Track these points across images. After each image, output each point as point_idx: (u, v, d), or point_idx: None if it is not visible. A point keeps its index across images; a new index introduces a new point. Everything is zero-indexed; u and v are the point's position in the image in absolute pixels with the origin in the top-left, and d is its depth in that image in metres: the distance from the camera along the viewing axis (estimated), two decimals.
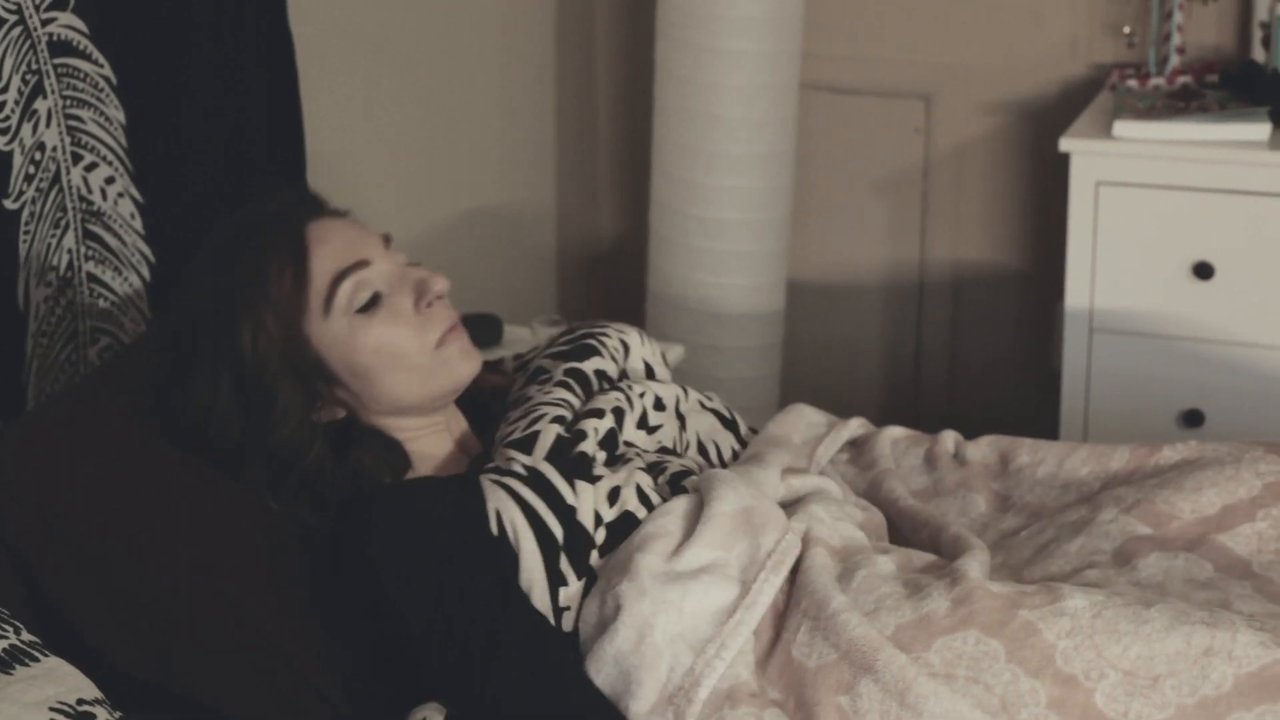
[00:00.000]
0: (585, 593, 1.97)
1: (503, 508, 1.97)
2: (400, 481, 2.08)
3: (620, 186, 4.05)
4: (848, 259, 3.93)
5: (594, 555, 1.99)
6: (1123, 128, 3.17)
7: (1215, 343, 3.19)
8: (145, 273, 2.51)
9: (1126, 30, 3.54)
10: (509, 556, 1.95)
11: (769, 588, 1.95)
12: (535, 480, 2.00)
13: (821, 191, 3.87)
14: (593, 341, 2.30)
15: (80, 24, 2.38)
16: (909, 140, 3.82)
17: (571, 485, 2.01)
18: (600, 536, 2.00)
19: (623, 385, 2.24)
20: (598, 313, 3.65)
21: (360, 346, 2.04)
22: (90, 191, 2.42)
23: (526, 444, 2.08)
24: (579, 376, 2.23)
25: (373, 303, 2.05)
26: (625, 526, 2.01)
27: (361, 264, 2.06)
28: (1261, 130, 3.14)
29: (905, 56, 3.79)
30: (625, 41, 3.96)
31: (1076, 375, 3.29)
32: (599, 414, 2.15)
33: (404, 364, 2.06)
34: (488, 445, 2.18)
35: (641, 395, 2.22)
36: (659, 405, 2.24)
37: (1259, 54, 3.42)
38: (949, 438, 2.42)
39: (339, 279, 2.04)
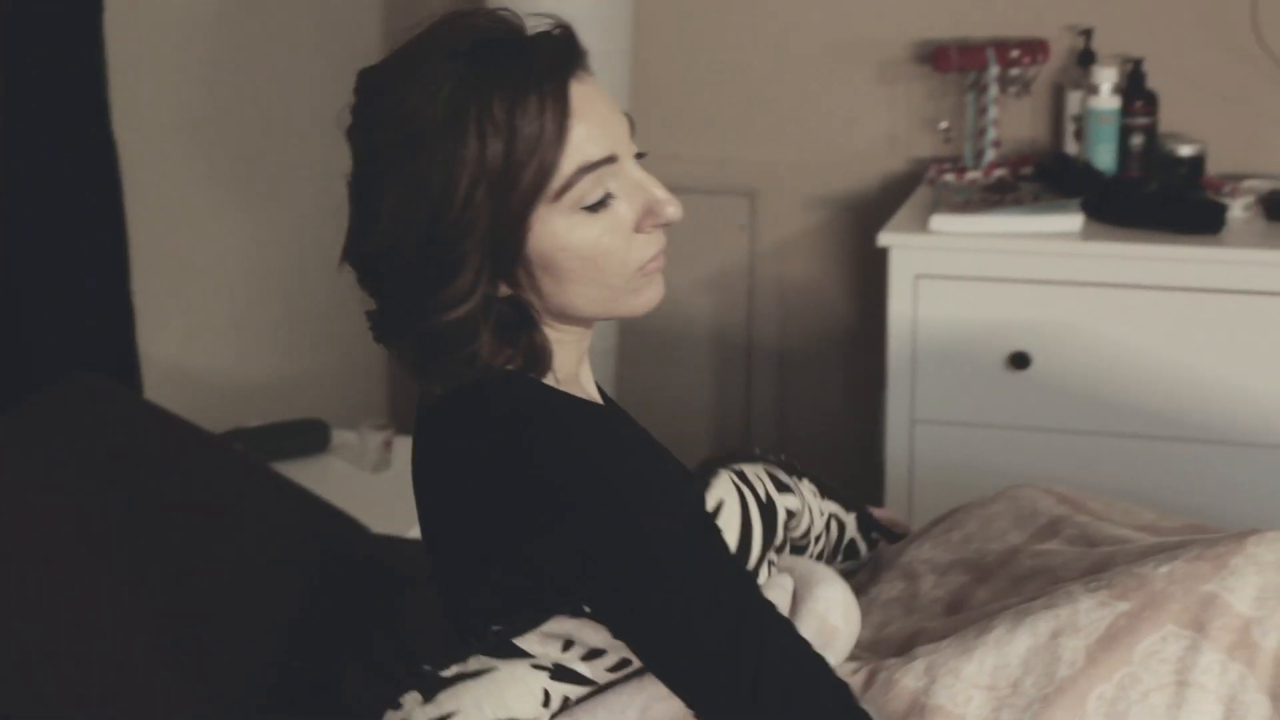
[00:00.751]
0: None
1: (727, 500, 1.89)
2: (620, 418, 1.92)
3: None
4: (675, 356, 3.95)
5: None
6: (940, 221, 3.22)
7: (1033, 430, 3.24)
8: None
9: (943, 125, 3.60)
10: None
11: None
12: (767, 512, 1.95)
13: None
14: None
15: None
16: (734, 237, 3.86)
17: (784, 543, 1.98)
18: None
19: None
20: None
21: (569, 246, 1.77)
22: None
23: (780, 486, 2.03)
24: (791, 511, 2.09)
25: (601, 203, 1.77)
26: None
27: (610, 160, 1.77)
28: (1074, 221, 3.21)
29: (729, 155, 3.83)
30: None
31: (899, 465, 3.32)
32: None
33: (599, 279, 1.80)
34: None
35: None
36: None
37: (1071, 146, 3.51)
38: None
39: (584, 171, 1.75)
